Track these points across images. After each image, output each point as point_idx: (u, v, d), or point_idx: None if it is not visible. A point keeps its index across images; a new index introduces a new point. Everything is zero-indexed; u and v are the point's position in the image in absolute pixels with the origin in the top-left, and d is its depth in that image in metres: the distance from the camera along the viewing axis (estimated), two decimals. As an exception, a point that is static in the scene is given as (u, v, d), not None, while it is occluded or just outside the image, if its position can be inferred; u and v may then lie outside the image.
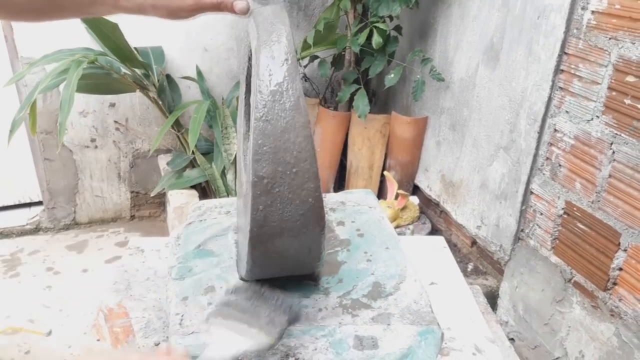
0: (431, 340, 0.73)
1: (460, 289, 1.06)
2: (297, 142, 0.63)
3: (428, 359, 0.71)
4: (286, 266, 0.72)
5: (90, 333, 0.92)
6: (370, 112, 2.33)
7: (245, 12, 0.69)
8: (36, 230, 2.60)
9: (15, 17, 0.70)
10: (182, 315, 0.77)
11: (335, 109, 2.63)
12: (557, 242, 1.68)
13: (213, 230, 0.96)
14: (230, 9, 0.68)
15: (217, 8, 0.68)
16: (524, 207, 1.83)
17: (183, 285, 0.83)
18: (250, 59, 0.77)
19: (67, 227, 2.65)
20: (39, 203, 2.62)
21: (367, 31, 2.19)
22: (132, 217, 2.77)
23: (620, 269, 1.45)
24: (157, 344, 0.88)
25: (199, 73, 2.51)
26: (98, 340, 0.90)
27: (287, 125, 0.63)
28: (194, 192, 2.38)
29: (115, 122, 2.53)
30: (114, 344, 0.89)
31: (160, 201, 2.77)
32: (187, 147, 2.40)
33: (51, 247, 2.50)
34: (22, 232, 2.57)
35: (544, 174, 1.72)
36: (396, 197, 2.34)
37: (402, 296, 0.82)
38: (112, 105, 2.49)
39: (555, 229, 1.68)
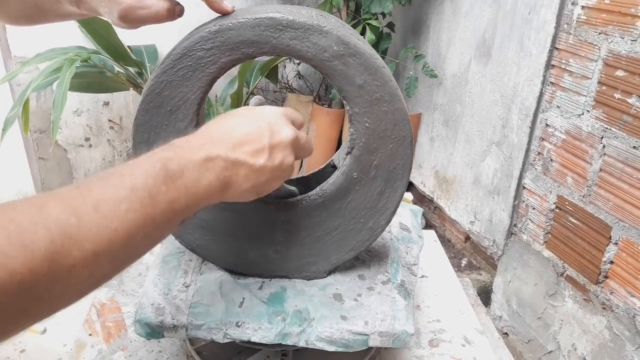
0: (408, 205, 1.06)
1: (451, 281, 1.07)
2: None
3: (419, 209, 1.05)
4: None
5: (82, 328, 0.92)
6: (363, 109, 2.33)
7: (173, 14, 0.61)
8: (31, 229, 2.60)
9: (11, 21, 0.72)
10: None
11: (329, 106, 2.63)
12: (550, 236, 1.69)
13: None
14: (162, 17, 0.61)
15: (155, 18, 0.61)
16: (516, 202, 1.84)
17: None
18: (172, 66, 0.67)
19: (62, 226, 2.65)
20: (34, 202, 2.62)
21: (359, 28, 2.20)
22: (127, 215, 2.77)
23: (612, 262, 1.46)
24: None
25: (193, 71, 2.51)
26: (90, 335, 0.90)
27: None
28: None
29: (110, 120, 2.53)
30: (105, 339, 0.89)
31: (155, 199, 2.77)
32: (181, 145, 2.40)
33: (46, 246, 2.50)
34: (17, 232, 2.57)
35: (536, 168, 1.73)
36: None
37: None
38: (106, 104, 2.49)
39: (548, 224, 1.69)
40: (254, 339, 0.72)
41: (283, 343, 0.72)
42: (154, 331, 0.73)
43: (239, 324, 0.72)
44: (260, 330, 0.71)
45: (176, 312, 0.73)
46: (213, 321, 0.72)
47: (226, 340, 0.72)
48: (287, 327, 0.72)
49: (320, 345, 0.71)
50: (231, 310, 0.73)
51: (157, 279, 0.80)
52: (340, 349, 0.72)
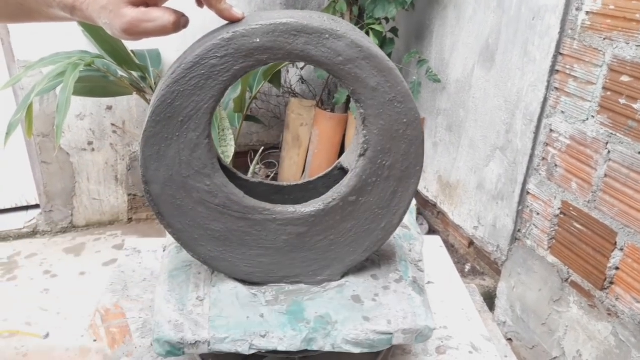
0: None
1: (457, 288, 1.06)
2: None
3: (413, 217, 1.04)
4: None
5: (87, 334, 0.92)
6: (367, 114, 2.33)
7: (179, 26, 0.60)
8: (33, 233, 2.60)
9: None
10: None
11: (332, 110, 2.63)
12: (554, 242, 1.68)
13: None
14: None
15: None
16: (520, 208, 1.83)
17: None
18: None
19: (64, 230, 2.64)
20: (36, 206, 2.62)
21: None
22: (130, 219, 2.77)
23: (617, 268, 1.45)
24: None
25: (196, 76, 2.51)
26: (95, 340, 0.90)
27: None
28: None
29: (113, 124, 2.53)
30: (110, 345, 0.89)
31: (158, 204, 2.76)
32: (184, 150, 2.39)
33: (48, 250, 2.50)
34: (20, 236, 2.57)
35: (540, 174, 1.73)
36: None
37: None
38: (109, 108, 2.49)
39: (552, 229, 1.68)
40: (280, 348, 0.71)
41: (309, 349, 0.71)
42: (174, 348, 0.71)
43: (264, 334, 0.71)
44: (286, 339, 0.71)
45: (196, 327, 0.71)
46: (237, 333, 0.71)
47: (252, 352, 0.71)
48: (312, 333, 0.71)
49: (347, 348, 0.71)
50: (253, 320, 0.73)
51: (169, 295, 0.78)
52: (365, 350, 0.71)
